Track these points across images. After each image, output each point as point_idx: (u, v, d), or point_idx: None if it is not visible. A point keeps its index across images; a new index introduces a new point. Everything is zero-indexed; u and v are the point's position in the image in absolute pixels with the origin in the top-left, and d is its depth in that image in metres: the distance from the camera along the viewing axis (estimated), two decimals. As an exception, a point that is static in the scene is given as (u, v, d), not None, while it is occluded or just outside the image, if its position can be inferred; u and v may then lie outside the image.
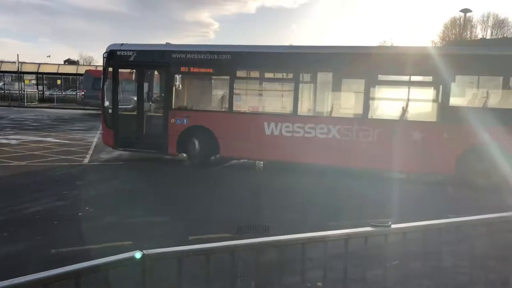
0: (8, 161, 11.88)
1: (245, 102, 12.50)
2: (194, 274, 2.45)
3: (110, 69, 12.32)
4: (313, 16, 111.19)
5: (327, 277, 2.84)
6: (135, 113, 12.47)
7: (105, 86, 12.55)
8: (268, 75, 12.69)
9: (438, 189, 10.09)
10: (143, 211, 7.59)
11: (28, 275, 1.98)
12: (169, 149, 12.01)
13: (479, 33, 55.40)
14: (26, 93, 37.29)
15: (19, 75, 38.11)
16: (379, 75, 10.81)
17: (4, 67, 40.76)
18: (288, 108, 11.50)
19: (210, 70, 12.17)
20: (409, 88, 10.65)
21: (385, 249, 2.97)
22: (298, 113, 11.13)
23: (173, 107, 12.06)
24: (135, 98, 12.61)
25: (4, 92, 39.95)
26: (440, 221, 3.21)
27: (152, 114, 12.67)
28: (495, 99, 10.37)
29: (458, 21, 49.84)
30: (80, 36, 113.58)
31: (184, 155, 12.31)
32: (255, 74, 12.67)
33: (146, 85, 12.79)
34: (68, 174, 10.79)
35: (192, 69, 12.13)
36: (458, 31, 49.53)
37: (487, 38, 51.55)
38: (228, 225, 6.66)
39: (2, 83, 45.76)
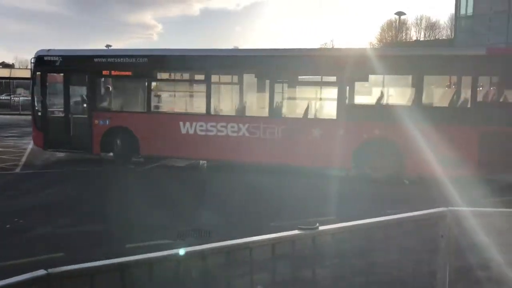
0: None
1: (162, 103, 13.07)
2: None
3: (39, 73, 12.70)
4: (256, 19, 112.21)
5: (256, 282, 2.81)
6: (62, 115, 12.86)
7: (34, 90, 12.93)
8: (182, 77, 13.16)
9: (375, 187, 10.28)
10: (77, 220, 7.25)
11: None
12: (94, 149, 12.37)
13: (413, 35, 58.15)
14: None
15: None
16: (283, 77, 11.32)
17: None
18: (201, 108, 11.81)
19: (129, 73, 12.53)
20: (312, 88, 11.59)
21: (318, 250, 2.98)
22: (211, 113, 11.59)
23: (96, 109, 12.48)
24: (63, 101, 12.90)
25: None
26: (368, 220, 3.25)
27: (78, 116, 12.91)
28: (390, 97, 11.04)
29: (394, 24, 51.94)
30: (16, 38, 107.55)
31: (111, 154, 12.58)
32: (170, 76, 13.22)
33: (72, 88, 13.16)
34: (-2, 183, 10.17)
35: (113, 73, 12.66)
36: (394, 33, 51.61)
37: (421, 39, 54.19)
38: (168, 230, 6.50)
39: None
